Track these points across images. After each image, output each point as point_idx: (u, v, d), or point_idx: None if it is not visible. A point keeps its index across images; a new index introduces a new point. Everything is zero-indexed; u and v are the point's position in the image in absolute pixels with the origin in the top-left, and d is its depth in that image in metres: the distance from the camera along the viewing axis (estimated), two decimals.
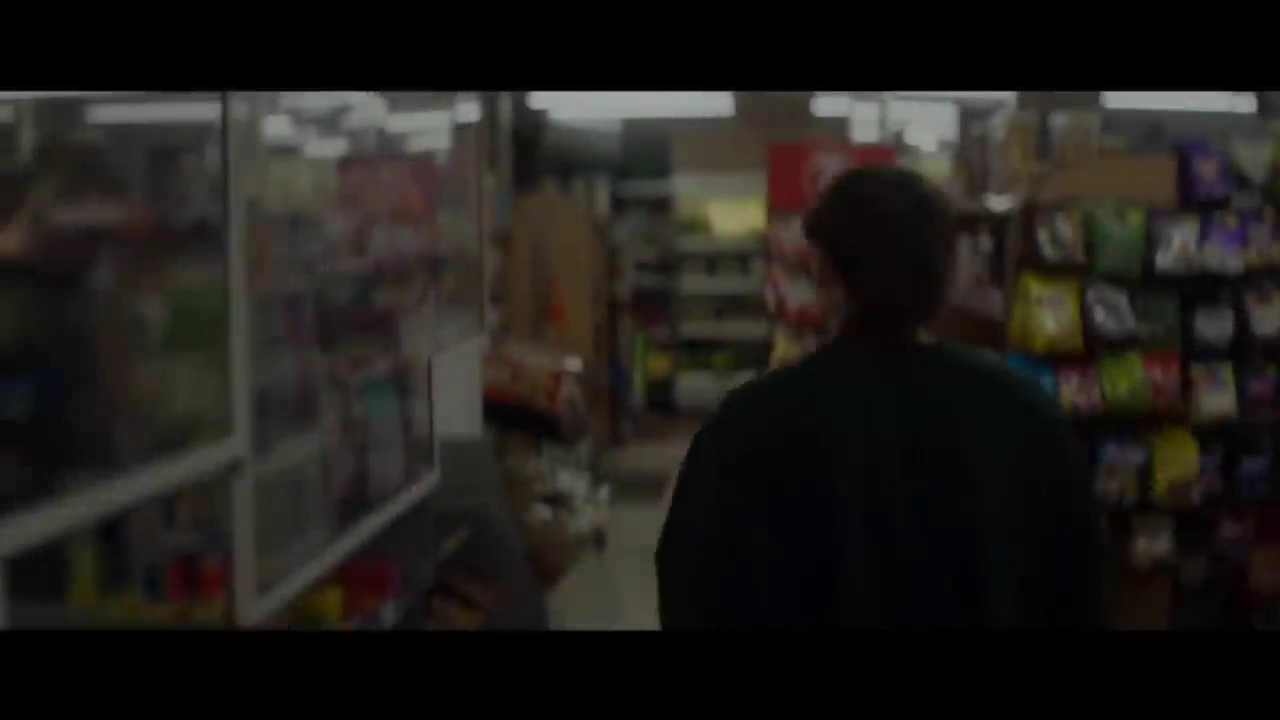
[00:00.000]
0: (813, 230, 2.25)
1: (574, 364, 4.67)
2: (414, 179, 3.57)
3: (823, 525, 2.10)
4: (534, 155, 13.96)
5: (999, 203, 5.29)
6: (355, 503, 2.91)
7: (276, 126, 2.65)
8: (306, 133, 2.93)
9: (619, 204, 13.90)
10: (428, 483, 3.51)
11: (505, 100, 12.55)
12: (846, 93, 12.32)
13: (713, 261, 13.99)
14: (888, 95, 11.26)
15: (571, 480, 4.68)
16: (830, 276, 2.21)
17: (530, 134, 13.76)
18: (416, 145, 3.78)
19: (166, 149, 2.23)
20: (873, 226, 2.18)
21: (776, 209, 8.43)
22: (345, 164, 3.15)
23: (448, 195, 3.91)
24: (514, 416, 4.52)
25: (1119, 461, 4.79)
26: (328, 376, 2.78)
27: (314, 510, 2.66)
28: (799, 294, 7.59)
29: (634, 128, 14.18)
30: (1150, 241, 4.74)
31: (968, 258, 5.84)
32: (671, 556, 2.25)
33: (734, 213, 13.68)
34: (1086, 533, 2.22)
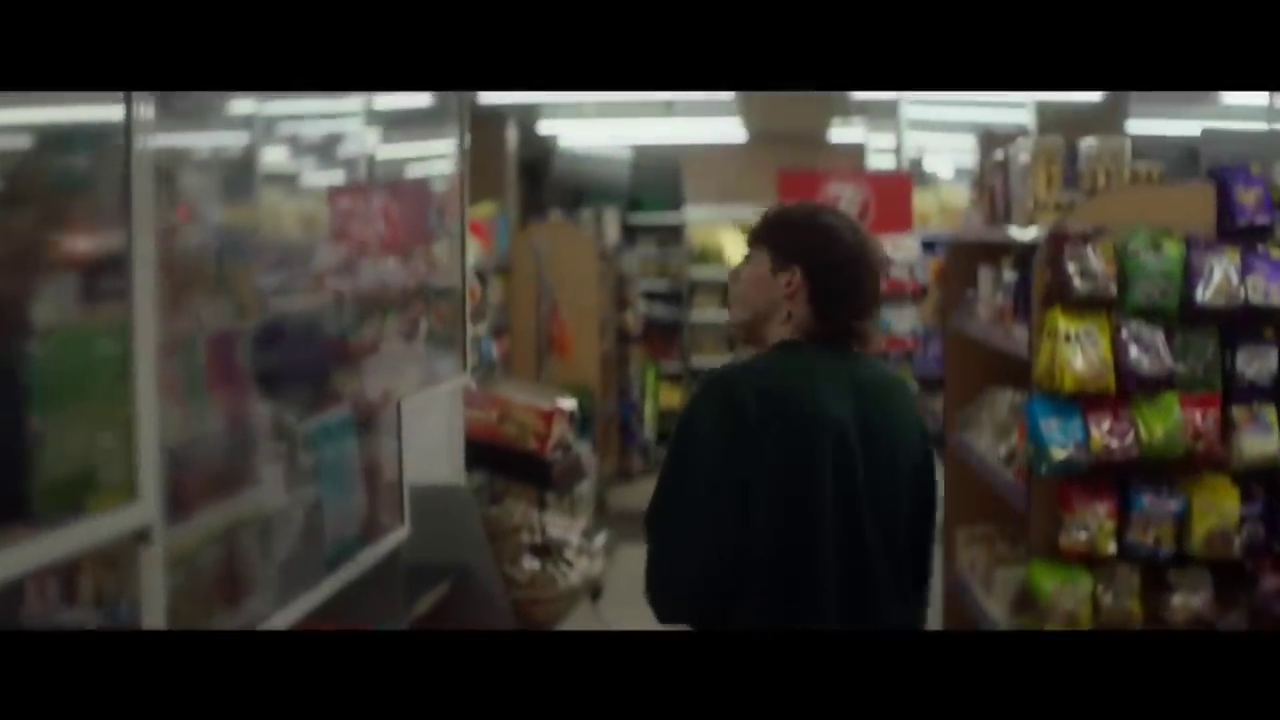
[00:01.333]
0: (788, 252, 2.84)
1: (567, 403, 4.34)
2: (387, 209, 3.26)
3: (809, 476, 2.69)
4: (542, 183, 13.70)
5: (1024, 232, 4.98)
6: (304, 565, 2.58)
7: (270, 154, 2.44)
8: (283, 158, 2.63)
9: (629, 233, 13.62)
10: (396, 536, 3.18)
11: (512, 127, 12.30)
12: (853, 93, 12.03)
13: (725, 291, 13.69)
14: (904, 124, 11.00)
15: (564, 529, 4.35)
16: (796, 291, 2.83)
17: (538, 162, 13.50)
18: (392, 173, 3.48)
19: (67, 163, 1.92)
20: (846, 255, 2.84)
21: None
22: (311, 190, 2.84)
23: (426, 226, 3.61)
24: (500, 460, 4.20)
25: (1154, 510, 4.45)
26: (272, 425, 2.46)
27: (250, 577, 2.34)
28: None
29: (645, 156, 13.92)
30: (1188, 274, 4.41)
31: (989, 291, 5.55)
32: (672, 515, 2.71)
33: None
34: (934, 497, 3.06)
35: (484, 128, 11.77)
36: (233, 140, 2.49)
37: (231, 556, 2.25)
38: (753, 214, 3.09)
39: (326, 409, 2.78)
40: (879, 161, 12.61)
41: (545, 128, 12.79)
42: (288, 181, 2.81)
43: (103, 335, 1.87)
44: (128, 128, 1.90)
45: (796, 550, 2.69)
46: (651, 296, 13.56)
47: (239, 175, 2.48)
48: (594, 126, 12.68)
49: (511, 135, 12.35)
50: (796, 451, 2.68)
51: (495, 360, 8.28)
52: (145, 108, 1.93)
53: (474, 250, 8.12)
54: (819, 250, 2.83)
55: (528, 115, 12.27)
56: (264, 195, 2.61)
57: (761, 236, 2.92)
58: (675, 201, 13.91)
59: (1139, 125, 10.85)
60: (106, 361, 1.88)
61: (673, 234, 13.92)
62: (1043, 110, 10.77)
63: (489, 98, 10.78)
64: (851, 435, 2.74)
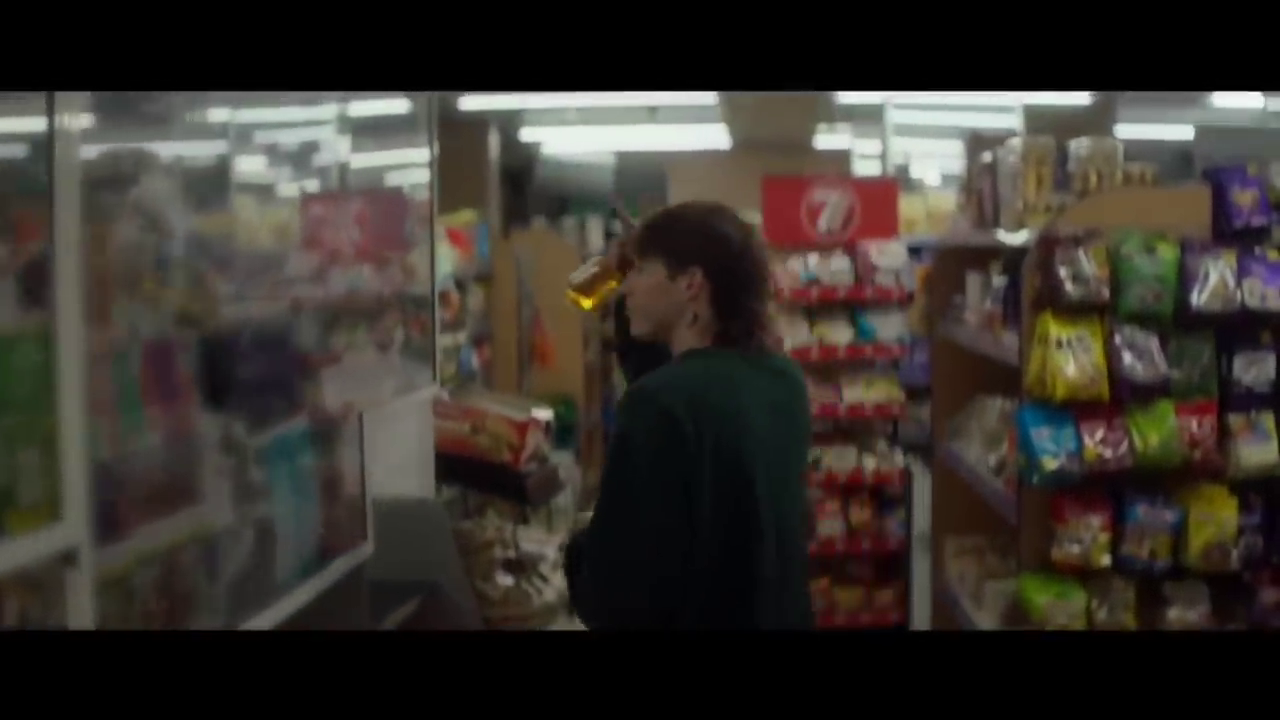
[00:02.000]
0: (684, 255, 2.81)
1: (543, 413, 4.19)
2: (353, 217, 3.13)
3: (743, 475, 2.70)
4: (525, 191, 13.57)
5: (1013, 236, 4.86)
6: (256, 586, 2.43)
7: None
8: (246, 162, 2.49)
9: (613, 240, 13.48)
10: (359, 554, 3.03)
11: (494, 134, 12.17)
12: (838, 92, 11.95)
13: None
14: (890, 129, 10.90)
15: (539, 543, 4.20)
16: (699, 293, 2.81)
17: (521, 169, 13.37)
18: (361, 181, 3.36)
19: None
20: (741, 248, 2.84)
21: (771, 244, 7.97)
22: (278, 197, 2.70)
23: (394, 234, 3.49)
24: (472, 473, 4.05)
25: (1149, 522, 4.32)
26: (220, 439, 2.31)
27: (193, 599, 2.19)
28: (795, 333, 7.13)
29: (629, 163, 13.80)
30: (1183, 277, 4.28)
31: (977, 296, 5.42)
32: (622, 542, 2.66)
33: None
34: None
35: (466, 134, 11.64)
36: (195, 146, 2.35)
37: (172, 578, 2.10)
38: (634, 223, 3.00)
39: (283, 421, 2.63)
40: (865, 167, 12.52)
41: (528, 134, 12.67)
42: (255, 189, 2.67)
43: (23, 343, 1.72)
44: (50, 131, 1.77)
45: (739, 555, 2.72)
46: None
47: (198, 182, 2.34)
48: (578, 133, 12.56)
49: (494, 142, 12.22)
50: (732, 463, 2.69)
51: (475, 370, 8.13)
52: (71, 116, 1.80)
53: (453, 258, 7.99)
54: (715, 248, 2.82)
55: (510, 121, 12.14)
56: (229, 202, 2.47)
57: (651, 245, 2.88)
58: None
59: (1129, 129, 10.76)
60: (27, 371, 1.73)
61: None
62: (1030, 115, 10.67)
63: (471, 103, 10.65)
64: (772, 437, 2.80)
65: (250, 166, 2.61)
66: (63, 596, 1.83)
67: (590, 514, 2.78)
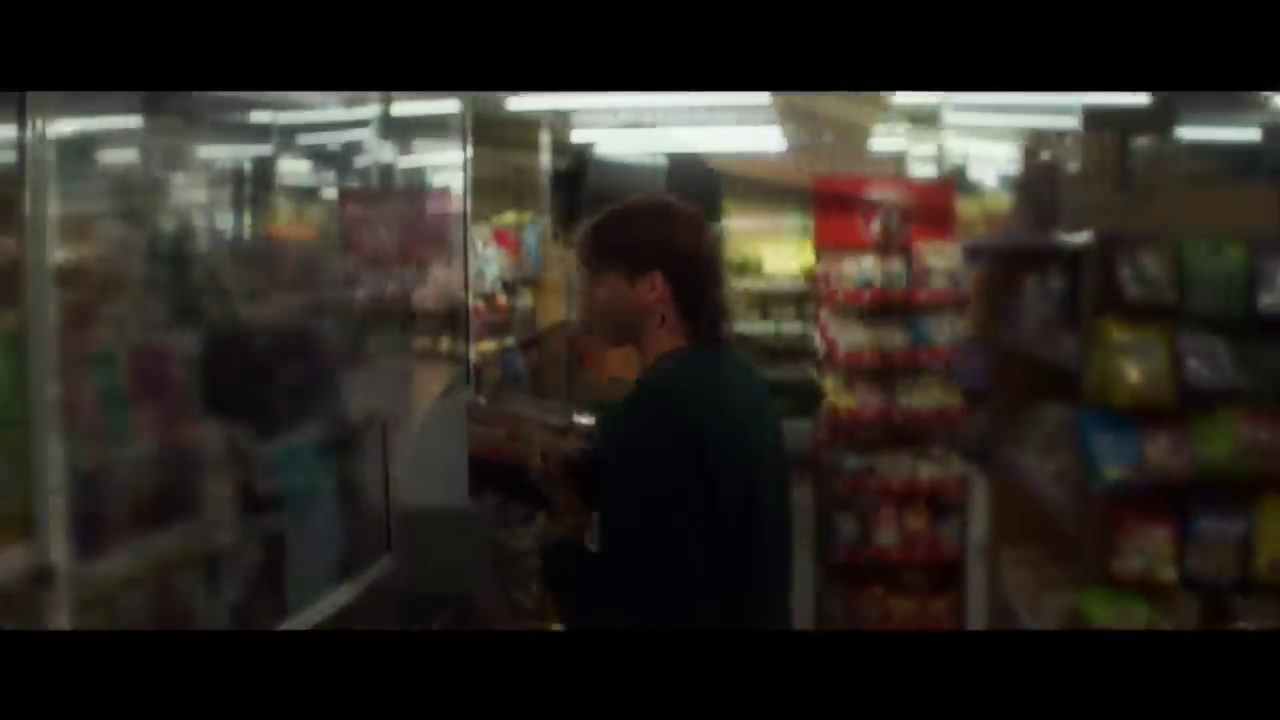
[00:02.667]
0: (642, 260, 2.74)
1: (585, 420, 4.04)
2: (389, 219, 3.02)
3: (752, 471, 2.68)
4: (576, 194, 13.46)
5: (1073, 237, 4.68)
6: (265, 604, 2.31)
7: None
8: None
9: None
10: (381, 567, 2.91)
11: (545, 135, 12.07)
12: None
13: (765, 302, 13.45)
14: (947, 131, 10.72)
15: None
16: (662, 294, 2.74)
17: (573, 172, 13.26)
18: (398, 183, 3.25)
19: None
20: (697, 243, 2.80)
21: (825, 248, 7.81)
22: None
23: (430, 237, 3.38)
24: (507, 481, 3.91)
25: (1215, 535, 4.14)
26: (225, 448, 2.18)
27: (190, 620, 2.06)
28: (849, 337, 6.99)
29: (681, 163, 13.64)
30: (1251, 279, 4.10)
31: (1035, 299, 5.25)
32: (652, 555, 2.55)
33: (787, 252, 13.15)
34: None
35: (516, 135, 11.53)
36: (239, 150, 2.25)
37: (166, 598, 1.97)
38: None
39: (297, 429, 2.51)
40: (921, 169, 12.36)
41: (580, 136, 12.56)
42: (291, 191, 2.57)
43: None
44: (21, 129, 1.66)
45: (747, 556, 2.69)
46: None
47: (235, 183, 2.24)
48: (630, 135, 12.44)
49: (545, 143, 12.12)
50: (741, 466, 2.68)
51: (522, 373, 8.01)
52: (44, 122, 1.69)
53: (501, 261, 7.88)
54: (672, 247, 2.76)
55: (562, 123, 12.04)
56: (259, 203, 2.37)
57: (605, 254, 2.82)
58: (714, 211, 13.65)
59: (1189, 131, 10.51)
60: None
61: None
62: (1090, 115, 10.45)
63: (521, 104, 10.54)
64: (760, 436, 2.81)
65: (289, 168, 2.52)
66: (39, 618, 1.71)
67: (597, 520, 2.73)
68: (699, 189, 12.27)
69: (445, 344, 3.47)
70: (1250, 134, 7.99)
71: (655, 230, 2.79)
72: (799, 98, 10.21)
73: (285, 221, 2.52)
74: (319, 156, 2.74)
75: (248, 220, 2.35)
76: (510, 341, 7.76)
